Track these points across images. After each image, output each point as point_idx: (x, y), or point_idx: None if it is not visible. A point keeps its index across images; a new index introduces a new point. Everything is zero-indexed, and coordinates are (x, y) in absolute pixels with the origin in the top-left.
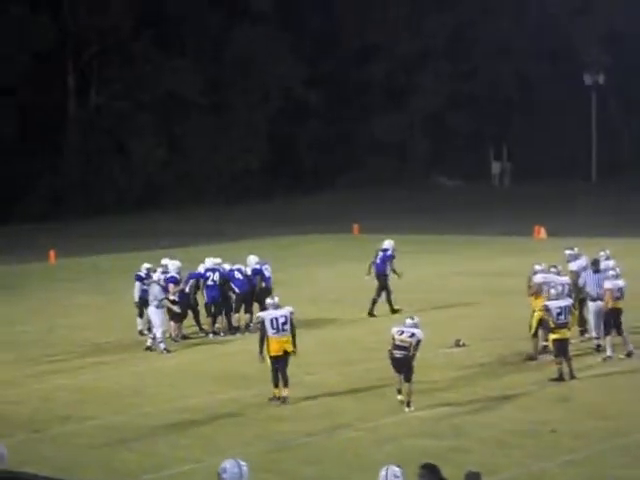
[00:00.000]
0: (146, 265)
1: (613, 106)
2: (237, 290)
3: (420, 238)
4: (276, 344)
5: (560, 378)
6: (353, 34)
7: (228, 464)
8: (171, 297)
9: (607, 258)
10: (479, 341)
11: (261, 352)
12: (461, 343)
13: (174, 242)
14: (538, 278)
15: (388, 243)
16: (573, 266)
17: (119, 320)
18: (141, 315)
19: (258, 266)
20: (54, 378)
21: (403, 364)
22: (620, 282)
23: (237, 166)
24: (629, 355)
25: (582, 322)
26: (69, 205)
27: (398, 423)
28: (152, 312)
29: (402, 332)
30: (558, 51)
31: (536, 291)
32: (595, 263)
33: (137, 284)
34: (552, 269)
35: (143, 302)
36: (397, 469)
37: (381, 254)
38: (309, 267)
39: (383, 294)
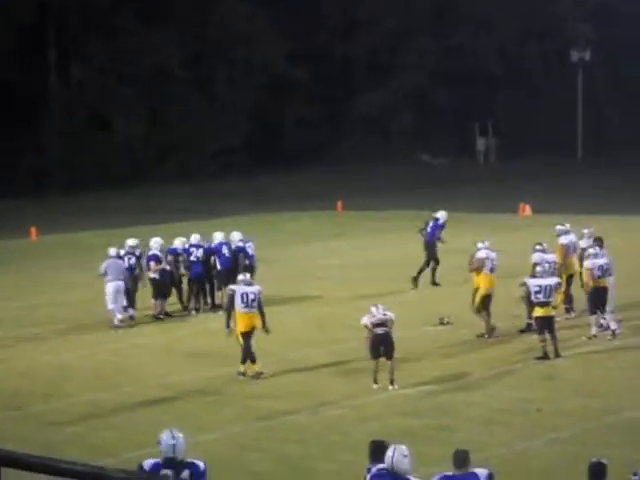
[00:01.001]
0: (130, 242)
1: (599, 83)
2: (219, 267)
3: (404, 214)
4: (246, 319)
5: (545, 356)
6: (337, 10)
7: (164, 435)
8: (152, 275)
9: (591, 236)
10: (463, 319)
11: (228, 326)
12: (445, 321)
13: (157, 219)
14: (481, 254)
15: (441, 214)
16: (564, 240)
17: (101, 297)
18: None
19: (241, 243)
20: (36, 355)
21: (384, 340)
22: (601, 260)
23: (220, 142)
24: (613, 334)
25: (568, 300)
26: (51, 182)
27: (383, 401)
28: (109, 287)
29: (373, 316)
30: (544, 27)
31: (477, 267)
32: (600, 240)
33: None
34: (537, 246)
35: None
36: (404, 447)
37: (432, 223)
38: (293, 244)
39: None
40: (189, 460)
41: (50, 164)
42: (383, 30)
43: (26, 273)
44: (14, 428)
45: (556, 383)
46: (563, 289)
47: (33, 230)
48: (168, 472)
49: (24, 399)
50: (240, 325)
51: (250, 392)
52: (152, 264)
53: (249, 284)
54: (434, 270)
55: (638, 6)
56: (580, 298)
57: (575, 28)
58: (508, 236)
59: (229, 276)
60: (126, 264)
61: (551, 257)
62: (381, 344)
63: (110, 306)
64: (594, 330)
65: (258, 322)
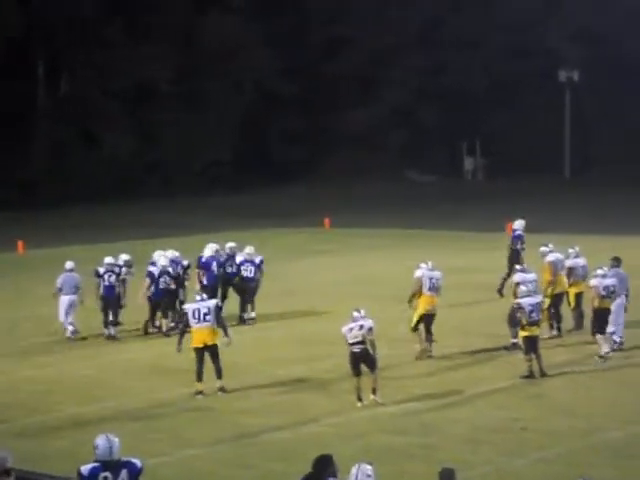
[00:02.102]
0: (124, 257)
1: (587, 103)
2: (205, 282)
3: (391, 232)
4: (198, 334)
5: (530, 375)
6: (326, 27)
7: (100, 440)
8: (148, 293)
9: (577, 255)
10: (449, 337)
11: (179, 343)
12: (430, 337)
13: (143, 234)
14: (417, 273)
15: (519, 223)
16: (551, 257)
17: (87, 312)
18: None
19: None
20: (21, 369)
21: (363, 356)
22: (608, 281)
23: (208, 157)
24: (603, 357)
25: (557, 319)
26: (38, 195)
27: (366, 419)
28: (62, 300)
29: (351, 329)
30: (532, 47)
31: (414, 288)
32: (616, 259)
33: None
34: (517, 266)
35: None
36: (369, 467)
37: (512, 233)
38: (279, 261)
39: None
40: (125, 459)
41: (37, 177)
42: (372, 47)
43: (12, 286)
44: None
45: (541, 402)
46: (548, 307)
47: (20, 244)
48: (107, 475)
49: (9, 412)
50: (193, 340)
51: (235, 408)
52: (147, 281)
53: (204, 300)
54: (504, 279)
55: (626, 27)
56: (566, 317)
57: (563, 48)
58: (495, 254)
59: (214, 293)
60: (106, 282)
61: (532, 276)
62: (361, 360)
63: (61, 319)
64: (606, 348)
65: (211, 338)
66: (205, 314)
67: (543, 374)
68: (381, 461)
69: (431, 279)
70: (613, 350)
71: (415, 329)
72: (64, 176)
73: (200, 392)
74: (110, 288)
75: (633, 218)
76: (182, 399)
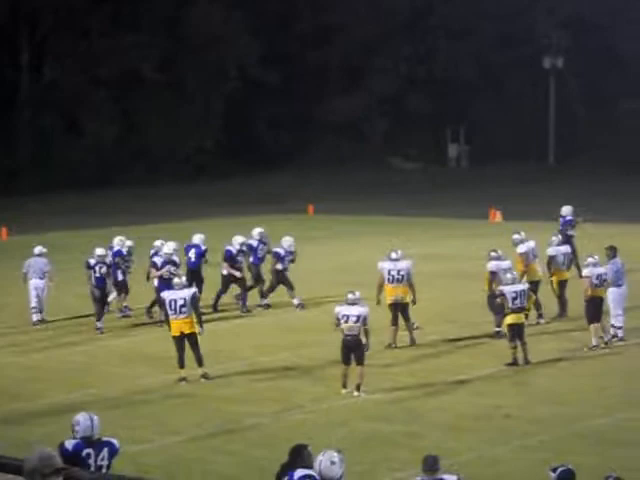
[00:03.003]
0: (128, 242)
1: (571, 90)
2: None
3: (375, 220)
4: (175, 325)
5: (514, 363)
6: (311, 14)
7: (81, 417)
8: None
9: (559, 243)
10: (432, 324)
11: (168, 327)
12: (415, 326)
13: (128, 220)
14: (378, 265)
15: (566, 209)
16: (522, 248)
17: (71, 298)
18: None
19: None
20: (4, 355)
21: (354, 346)
22: (600, 269)
23: (192, 144)
24: (606, 343)
25: (538, 306)
26: (22, 182)
27: (350, 406)
28: (29, 285)
29: (347, 318)
30: (517, 34)
31: (379, 280)
32: (612, 249)
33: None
34: (492, 253)
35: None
36: (335, 454)
37: (561, 220)
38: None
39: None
40: (106, 439)
41: (21, 164)
42: (357, 34)
43: None
44: None
45: (525, 389)
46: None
47: (3, 230)
48: (90, 451)
49: None
50: (171, 329)
51: (218, 395)
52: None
53: (182, 287)
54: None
55: (610, 14)
56: (549, 304)
57: (548, 35)
58: (478, 242)
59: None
60: (97, 274)
61: (506, 264)
62: (351, 350)
63: (32, 303)
64: (594, 341)
65: (189, 327)
66: (181, 306)
67: (527, 362)
68: (365, 448)
69: (390, 271)
70: (609, 341)
71: (393, 322)
72: (48, 163)
73: (183, 379)
74: (101, 280)
75: (618, 205)
76: (166, 386)
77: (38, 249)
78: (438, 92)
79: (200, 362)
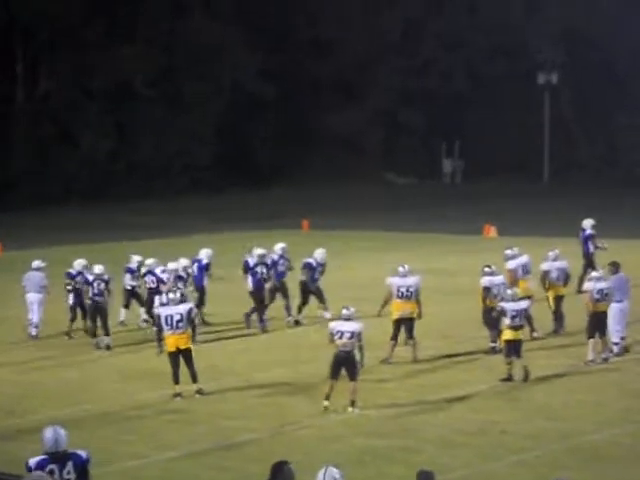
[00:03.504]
0: (137, 258)
1: (566, 105)
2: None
3: (370, 235)
4: (171, 340)
5: (509, 378)
6: (307, 28)
7: (47, 432)
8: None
9: (555, 258)
10: (428, 339)
11: (158, 346)
12: (411, 342)
13: (122, 235)
14: (386, 281)
15: (587, 222)
16: (511, 264)
17: (67, 314)
18: (127, 306)
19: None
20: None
21: (346, 361)
22: (602, 284)
23: (187, 158)
24: (606, 360)
25: (529, 320)
26: (16, 195)
27: (346, 422)
28: (26, 298)
29: (341, 335)
30: (512, 49)
31: (386, 295)
32: (614, 264)
33: (127, 276)
34: (486, 269)
35: (132, 294)
36: (335, 470)
37: (581, 234)
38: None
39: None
40: (71, 451)
41: (15, 177)
42: (352, 49)
43: None
44: None
45: (520, 405)
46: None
47: None
48: (54, 467)
49: None
50: (167, 345)
51: (215, 411)
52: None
53: (178, 303)
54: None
55: (605, 29)
56: (544, 319)
57: (542, 51)
58: (473, 257)
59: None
60: (95, 290)
61: (499, 279)
62: (343, 365)
63: (29, 315)
64: (590, 355)
65: (185, 342)
66: (178, 321)
67: (526, 379)
68: (360, 464)
69: (399, 287)
70: (608, 358)
71: (393, 337)
72: (43, 176)
73: (178, 394)
74: (99, 296)
75: (612, 221)
76: (161, 402)
77: (36, 263)
78: (433, 107)
79: (195, 378)
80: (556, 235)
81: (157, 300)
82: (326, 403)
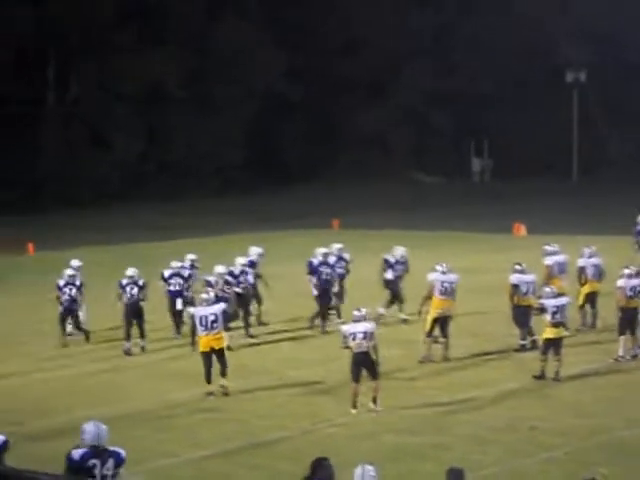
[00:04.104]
0: (190, 256)
1: (594, 103)
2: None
3: (399, 233)
4: (205, 341)
5: (541, 376)
6: (336, 29)
7: (88, 426)
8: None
9: (591, 255)
10: (458, 337)
11: (192, 343)
12: (440, 340)
13: (154, 236)
14: (428, 277)
15: None
16: (548, 260)
17: (97, 313)
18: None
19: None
20: (32, 372)
21: (365, 361)
22: (635, 281)
23: (218, 159)
24: (635, 357)
25: None
26: (48, 197)
27: (377, 420)
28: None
29: (354, 336)
30: (540, 48)
31: (427, 292)
32: None
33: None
34: (516, 266)
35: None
36: (371, 467)
37: (637, 228)
38: (288, 263)
39: None
40: (112, 449)
41: (47, 180)
42: (382, 49)
43: (24, 288)
44: (12, 444)
45: (550, 402)
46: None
47: (30, 245)
48: (96, 462)
49: (21, 415)
50: (200, 345)
51: (246, 409)
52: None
53: (211, 304)
54: None
55: (633, 27)
56: (574, 318)
57: (571, 49)
58: (503, 255)
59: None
60: (128, 294)
61: (529, 277)
62: (361, 364)
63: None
64: (621, 351)
65: (218, 342)
66: (212, 321)
67: (557, 379)
68: (392, 461)
69: (443, 282)
70: (638, 354)
71: (429, 334)
72: (74, 178)
73: (211, 393)
74: (132, 299)
75: None
76: (193, 400)
77: (75, 262)
78: (462, 106)
79: (224, 374)
80: (585, 232)
81: (179, 302)
82: (354, 411)
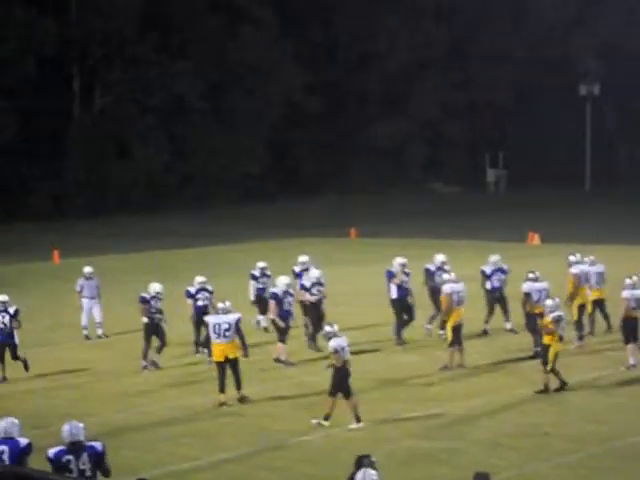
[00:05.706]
0: (260, 264)
1: (608, 116)
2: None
3: (415, 243)
4: (217, 350)
5: (545, 390)
6: (353, 42)
7: (65, 425)
8: (271, 316)
9: (592, 263)
10: (472, 344)
11: (209, 354)
12: (459, 348)
13: (176, 244)
14: (445, 289)
15: None
16: (575, 269)
17: (121, 319)
18: (263, 312)
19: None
20: (56, 376)
21: (347, 375)
22: (639, 292)
23: (238, 170)
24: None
25: (579, 328)
26: (72, 206)
27: (394, 424)
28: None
29: (343, 350)
30: (554, 61)
31: (445, 307)
32: None
33: (252, 283)
34: (530, 274)
35: (259, 300)
36: (373, 472)
37: None
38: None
39: None
40: (87, 443)
41: (72, 189)
42: (397, 61)
43: (49, 294)
44: (35, 447)
45: (563, 408)
46: (576, 318)
47: (56, 253)
48: (70, 457)
49: (44, 418)
50: (214, 354)
51: (265, 413)
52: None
53: (227, 312)
54: None
55: None
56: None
57: (584, 62)
58: (517, 264)
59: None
60: (153, 308)
61: (541, 285)
62: (346, 377)
63: (83, 322)
64: (631, 360)
65: (232, 351)
66: (225, 330)
67: (563, 387)
68: (407, 465)
69: (459, 293)
70: None
71: (452, 344)
72: (98, 188)
73: (223, 403)
74: (158, 312)
75: None
76: (213, 405)
77: (87, 270)
78: (476, 118)
79: (239, 385)
80: (597, 242)
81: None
82: (359, 425)
